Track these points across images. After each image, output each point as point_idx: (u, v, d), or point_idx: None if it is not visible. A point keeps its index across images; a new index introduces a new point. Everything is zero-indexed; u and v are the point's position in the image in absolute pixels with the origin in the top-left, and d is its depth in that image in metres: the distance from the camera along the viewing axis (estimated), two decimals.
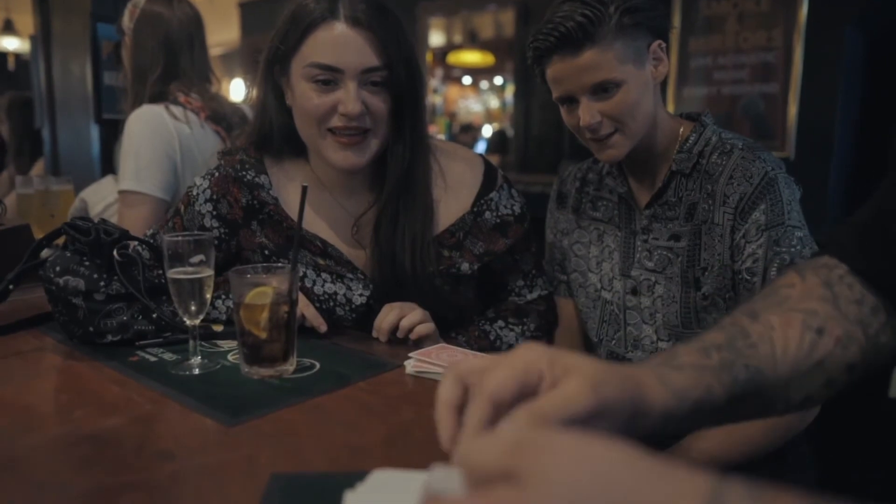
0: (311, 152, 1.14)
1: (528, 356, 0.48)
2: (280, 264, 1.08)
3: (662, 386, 0.52)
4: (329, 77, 1.01)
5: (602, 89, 1.04)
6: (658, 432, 0.53)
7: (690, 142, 1.11)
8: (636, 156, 1.12)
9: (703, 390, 0.53)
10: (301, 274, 1.09)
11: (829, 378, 0.58)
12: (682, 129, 1.13)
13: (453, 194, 1.14)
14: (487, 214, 1.15)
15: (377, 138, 1.06)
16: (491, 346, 1.14)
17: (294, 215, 1.03)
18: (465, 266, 1.13)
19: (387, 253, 1.09)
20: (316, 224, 1.13)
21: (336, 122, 1.02)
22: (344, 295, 1.10)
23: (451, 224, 1.13)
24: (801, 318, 0.58)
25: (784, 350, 0.57)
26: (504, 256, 1.17)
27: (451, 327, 1.13)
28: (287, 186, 1.15)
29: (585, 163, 1.30)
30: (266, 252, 1.13)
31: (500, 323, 1.17)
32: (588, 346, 1.29)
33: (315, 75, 1.01)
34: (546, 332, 1.23)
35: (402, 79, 1.04)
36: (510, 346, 1.15)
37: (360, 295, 1.10)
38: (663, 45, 1.09)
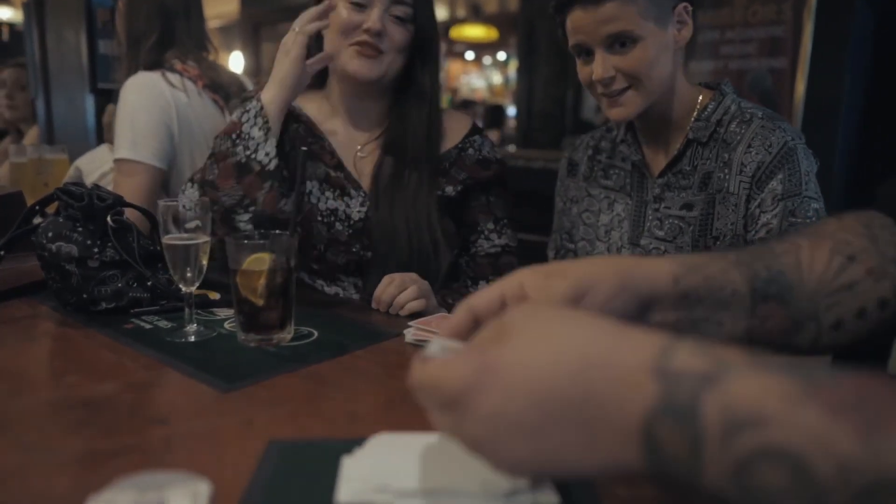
0: (331, 75, 1.26)
1: (515, 275, 0.54)
2: (277, 231, 1.07)
3: (670, 260, 0.55)
4: (362, 1, 1.15)
5: (619, 42, 1.02)
6: (680, 314, 0.54)
7: (709, 110, 1.09)
8: (652, 122, 1.11)
9: (719, 271, 0.54)
10: (308, 189, 1.20)
11: (861, 307, 0.56)
12: (700, 98, 1.11)
13: (446, 135, 1.28)
14: (471, 151, 1.27)
15: (389, 60, 1.18)
16: None
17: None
18: (449, 188, 1.24)
19: (398, 169, 1.21)
20: (330, 143, 1.24)
21: (358, 36, 1.15)
22: (343, 211, 1.20)
23: (439, 155, 1.25)
24: (831, 243, 0.57)
25: (810, 266, 0.56)
26: (479, 194, 1.27)
27: (432, 274, 1.17)
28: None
29: (598, 131, 1.28)
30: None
31: (483, 283, 1.24)
32: None
33: None
34: None
35: (423, 19, 1.19)
36: None
37: (358, 211, 1.20)
38: (689, 8, 1.06)
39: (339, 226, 1.19)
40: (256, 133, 1.08)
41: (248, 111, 1.10)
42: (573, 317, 0.41)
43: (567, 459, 0.37)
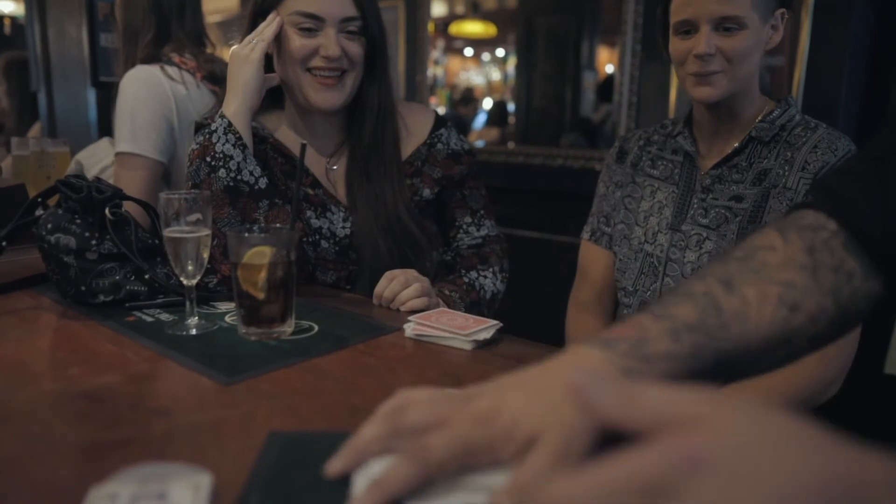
0: (287, 97, 1.22)
1: None
2: (279, 225, 1.07)
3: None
4: (312, 25, 1.12)
5: (725, 26, 1.07)
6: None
7: (774, 115, 1.15)
8: (721, 115, 1.16)
9: (669, 376, 0.54)
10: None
11: (791, 351, 0.59)
12: (767, 107, 1.17)
13: (412, 133, 1.27)
14: (440, 146, 1.27)
15: (352, 79, 1.16)
16: (477, 295, 1.22)
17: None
18: (426, 192, 1.24)
19: (365, 183, 1.20)
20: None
21: (317, 62, 1.13)
22: (328, 229, 1.19)
23: (409, 155, 1.25)
24: (777, 291, 0.58)
25: (757, 328, 0.57)
26: (454, 190, 1.28)
27: (412, 265, 1.16)
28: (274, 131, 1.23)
29: (652, 126, 1.35)
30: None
31: (474, 273, 1.25)
32: (618, 297, 1.34)
33: (300, 23, 1.12)
34: (508, 267, 1.33)
35: (374, 28, 1.16)
36: (493, 293, 1.25)
37: (342, 227, 1.19)
38: (785, 15, 1.11)
39: (324, 244, 1.18)
40: (231, 150, 1.08)
41: (214, 131, 1.09)
42: (787, 416, 0.35)
43: None
